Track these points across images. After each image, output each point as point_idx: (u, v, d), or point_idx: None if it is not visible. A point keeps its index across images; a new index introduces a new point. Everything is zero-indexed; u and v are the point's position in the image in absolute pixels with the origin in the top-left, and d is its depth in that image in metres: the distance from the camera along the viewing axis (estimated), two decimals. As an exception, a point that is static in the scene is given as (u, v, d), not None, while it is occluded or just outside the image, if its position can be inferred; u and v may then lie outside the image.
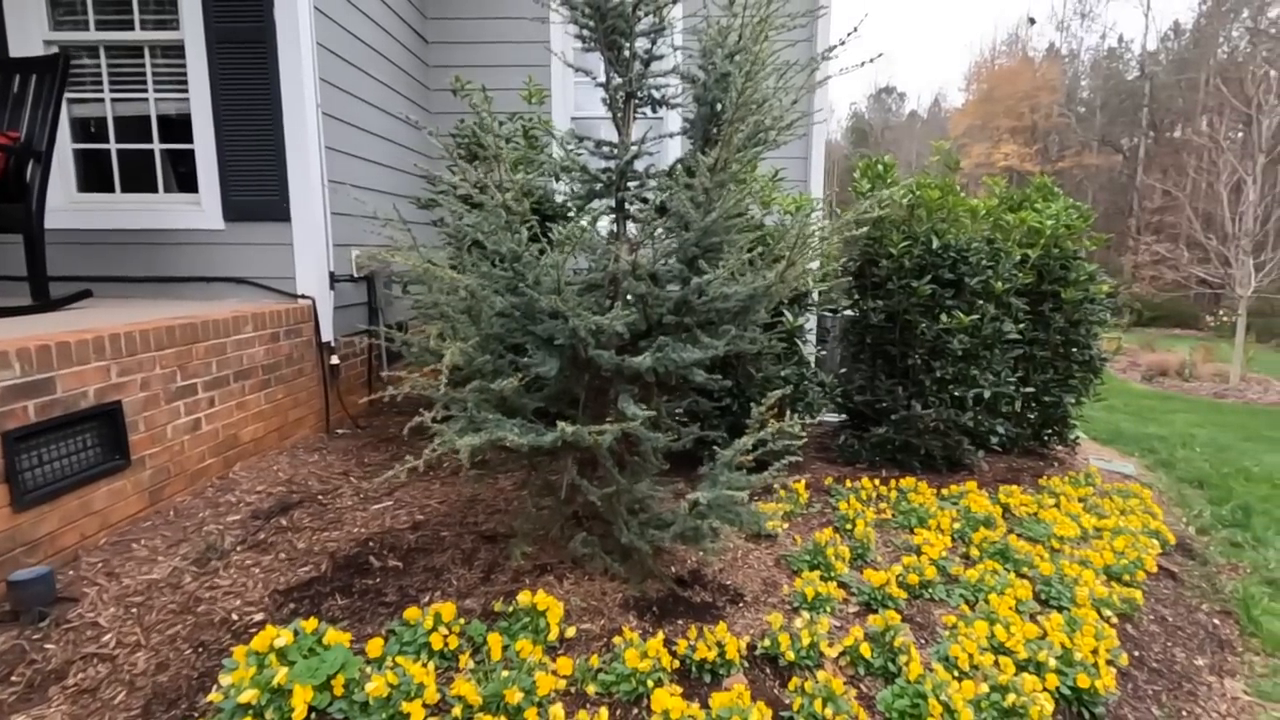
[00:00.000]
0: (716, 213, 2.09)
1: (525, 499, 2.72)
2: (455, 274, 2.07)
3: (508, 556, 2.51)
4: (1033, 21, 37.33)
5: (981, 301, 3.83)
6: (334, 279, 3.92)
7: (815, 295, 4.04)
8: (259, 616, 2.11)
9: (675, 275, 2.29)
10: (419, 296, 2.42)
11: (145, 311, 3.12)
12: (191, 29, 3.60)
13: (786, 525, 3.07)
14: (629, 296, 2.33)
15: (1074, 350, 4.43)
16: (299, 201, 3.68)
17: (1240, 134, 14.04)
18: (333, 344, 3.94)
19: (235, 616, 2.10)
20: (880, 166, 4.20)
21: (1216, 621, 2.86)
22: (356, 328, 4.35)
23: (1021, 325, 4.03)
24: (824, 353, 4.21)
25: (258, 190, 3.71)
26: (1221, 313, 15.83)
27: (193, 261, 3.76)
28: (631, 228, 2.62)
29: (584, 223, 2.87)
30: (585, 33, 2.44)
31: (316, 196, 3.71)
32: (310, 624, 1.84)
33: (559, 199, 3.44)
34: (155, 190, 3.88)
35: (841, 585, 2.54)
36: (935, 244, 3.78)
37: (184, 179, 3.87)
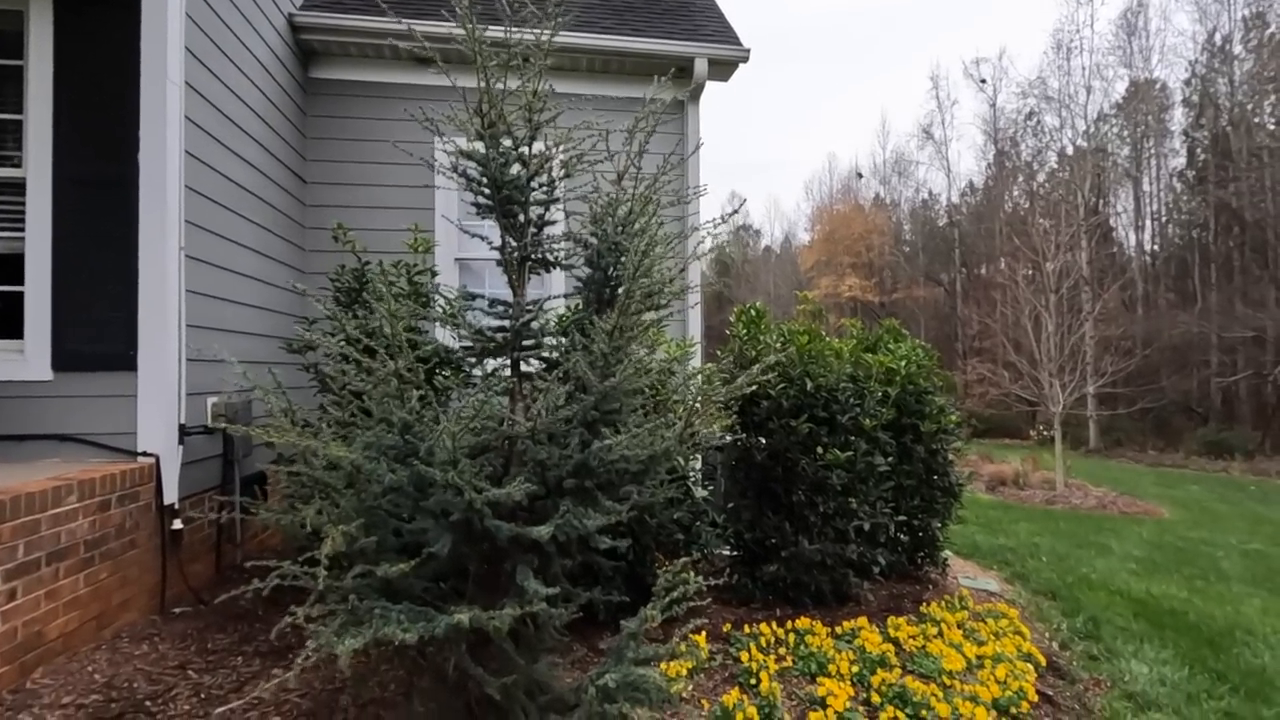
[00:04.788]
0: (617, 378, 2.13)
1: (408, 684, 2.42)
2: (339, 449, 1.91)
3: (387, 764, 2.18)
4: (860, 175, 43.53)
5: (854, 438, 4.10)
6: (185, 432, 3.51)
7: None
8: None
9: (574, 438, 2.26)
10: (295, 471, 2.21)
11: (-66, 485, 2.61)
12: (37, 168, 3.32)
13: (690, 686, 2.93)
14: (526, 460, 2.26)
15: (935, 478, 4.81)
16: (150, 350, 3.34)
17: (1033, 273, 16.70)
18: (176, 506, 3.47)
19: None
20: (754, 312, 4.54)
21: (1096, 748, 3.00)
22: (208, 484, 3.88)
23: (890, 458, 4.33)
24: (710, 487, 4.27)
25: (99, 337, 3.34)
26: (1041, 426, 18.03)
27: (7, 418, 3.25)
28: (527, 386, 2.59)
29: (476, 375, 2.82)
30: (481, 200, 2.51)
31: (172, 344, 3.39)
32: None
33: (449, 343, 3.37)
34: (-35, 336, 3.39)
35: (754, 755, 2.42)
36: (809, 386, 4.06)
37: (3, 323, 3.41)
